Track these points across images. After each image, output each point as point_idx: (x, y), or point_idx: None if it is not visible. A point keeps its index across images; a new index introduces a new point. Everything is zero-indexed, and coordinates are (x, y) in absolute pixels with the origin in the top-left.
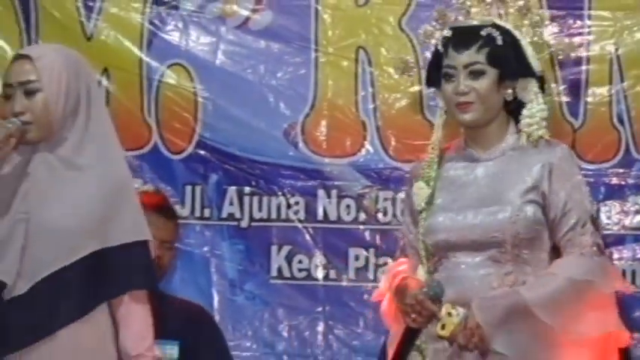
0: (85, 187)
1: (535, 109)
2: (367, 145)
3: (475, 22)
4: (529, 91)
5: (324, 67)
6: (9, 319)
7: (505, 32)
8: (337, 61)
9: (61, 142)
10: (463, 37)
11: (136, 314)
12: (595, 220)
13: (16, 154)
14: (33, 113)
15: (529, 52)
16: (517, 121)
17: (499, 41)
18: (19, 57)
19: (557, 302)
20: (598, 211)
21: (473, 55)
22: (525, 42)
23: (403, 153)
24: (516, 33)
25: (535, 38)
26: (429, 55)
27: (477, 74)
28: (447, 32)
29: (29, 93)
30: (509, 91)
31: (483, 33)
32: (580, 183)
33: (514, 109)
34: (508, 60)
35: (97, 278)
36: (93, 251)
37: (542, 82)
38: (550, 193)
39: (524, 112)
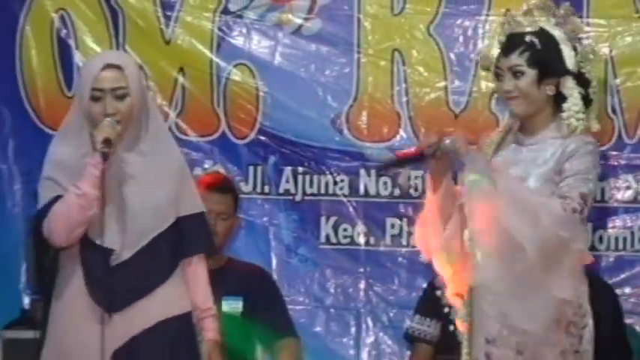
0: (162, 172)
1: (571, 102)
2: (401, 132)
3: (524, 29)
4: (567, 87)
5: (365, 66)
6: (116, 283)
7: (548, 37)
8: (376, 62)
9: (137, 137)
10: (510, 42)
11: (201, 274)
12: (586, 197)
13: None
14: (122, 114)
15: (566, 53)
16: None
17: (538, 46)
18: (108, 66)
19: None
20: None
21: (515, 59)
22: (565, 45)
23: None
24: (558, 37)
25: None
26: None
27: (518, 74)
28: (502, 38)
29: (119, 97)
30: (552, 87)
31: (527, 39)
32: (588, 166)
33: (560, 102)
34: (546, 61)
35: (175, 243)
36: (173, 221)
37: (580, 79)
38: (562, 172)
39: (564, 105)
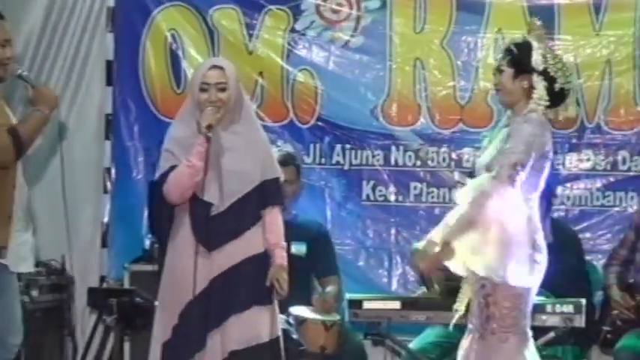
0: (249, 147)
1: (536, 93)
2: (421, 119)
3: (514, 40)
4: (534, 82)
5: (394, 71)
6: (214, 228)
7: (526, 45)
8: (402, 67)
9: (232, 120)
10: (502, 50)
11: (276, 219)
12: (518, 163)
13: None
14: (222, 102)
15: (534, 57)
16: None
17: (515, 51)
18: (214, 67)
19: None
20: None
21: (501, 61)
22: (536, 52)
23: (443, 123)
24: (534, 45)
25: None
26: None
27: (500, 72)
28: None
29: (221, 90)
30: (525, 82)
31: (510, 47)
32: (524, 136)
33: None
34: (518, 62)
35: (260, 199)
36: (259, 182)
37: (546, 77)
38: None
39: (533, 95)
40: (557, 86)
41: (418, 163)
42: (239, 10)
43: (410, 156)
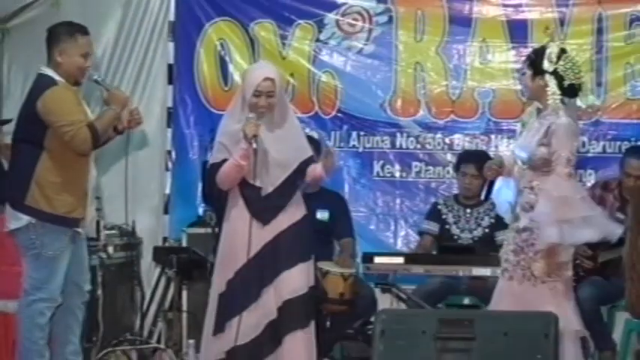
0: (289, 142)
1: (549, 89)
2: (421, 111)
3: (535, 48)
4: (547, 80)
5: (399, 73)
6: (265, 206)
7: (541, 52)
8: (405, 70)
9: (276, 118)
10: (525, 57)
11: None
12: (570, 159)
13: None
14: (270, 106)
15: (546, 62)
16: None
17: (533, 57)
18: (267, 79)
19: None
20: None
21: (523, 65)
22: (548, 56)
23: (438, 115)
24: (547, 51)
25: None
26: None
27: (523, 73)
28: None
29: (269, 97)
30: (541, 81)
31: (530, 54)
32: (564, 132)
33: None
34: (534, 65)
35: (297, 175)
36: (297, 165)
37: (557, 76)
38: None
39: (547, 91)
40: (565, 83)
41: (418, 146)
42: (274, 23)
43: (412, 141)
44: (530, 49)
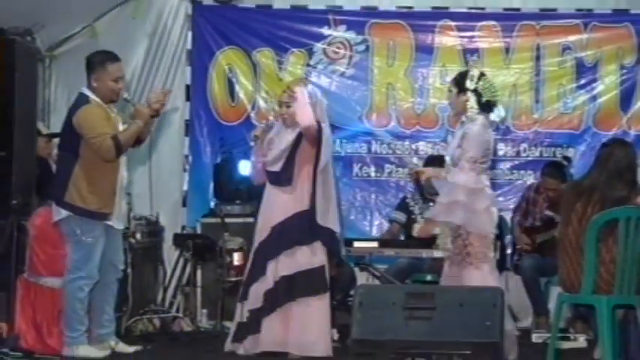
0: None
1: (469, 105)
2: (392, 123)
3: (459, 71)
4: (469, 97)
5: (374, 92)
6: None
7: (464, 74)
8: (379, 89)
9: (295, 123)
10: (452, 78)
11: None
12: (473, 157)
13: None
14: (290, 115)
15: (468, 81)
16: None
17: (458, 78)
18: (284, 92)
19: None
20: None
21: (451, 84)
22: (470, 77)
23: (406, 126)
24: (469, 74)
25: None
26: None
27: (450, 90)
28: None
29: (288, 106)
30: (464, 97)
31: (456, 76)
32: (474, 136)
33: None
34: (459, 84)
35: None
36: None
37: (476, 94)
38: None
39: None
40: (483, 99)
41: (390, 151)
42: (273, 51)
43: (384, 147)
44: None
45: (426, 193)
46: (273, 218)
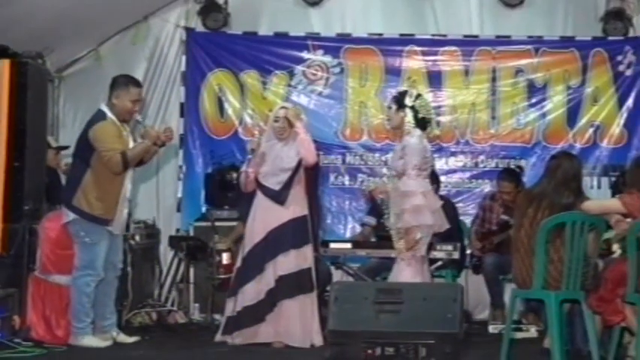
0: (293, 152)
1: (406, 120)
2: (364, 137)
3: (399, 90)
4: (406, 113)
5: (349, 109)
6: (276, 195)
7: (404, 93)
8: (353, 107)
9: (289, 136)
10: (392, 96)
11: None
12: (414, 165)
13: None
14: (284, 128)
15: (407, 99)
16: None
17: (398, 96)
18: (282, 107)
19: None
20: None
21: (390, 102)
22: (408, 95)
23: (377, 139)
24: (408, 93)
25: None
26: None
27: (390, 107)
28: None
29: (277, 122)
30: (402, 113)
31: (396, 94)
32: (412, 148)
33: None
34: (399, 102)
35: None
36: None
37: (414, 111)
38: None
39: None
40: (419, 116)
41: (362, 163)
42: (258, 73)
43: (357, 159)
44: (445, 93)
45: (380, 209)
46: (270, 223)
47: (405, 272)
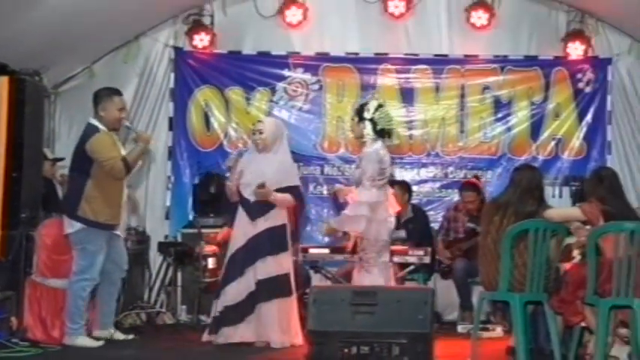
0: (275, 163)
1: (365, 132)
2: (342, 149)
3: (359, 103)
4: (365, 125)
5: (327, 123)
6: (253, 208)
7: (364, 105)
8: (331, 121)
9: (268, 149)
10: (354, 108)
11: (286, 196)
12: (369, 175)
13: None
14: (262, 140)
15: (366, 112)
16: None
17: (359, 108)
18: (259, 122)
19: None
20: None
21: (353, 114)
22: (368, 109)
23: (354, 152)
24: (367, 105)
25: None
26: None
27: (352, 119)
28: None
29: (260, 133)
30: (362, 125)
31: (357, 107)
32: (369, 158)
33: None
34: (358, 114)
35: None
36: (276, 187)
37: (373, 123)
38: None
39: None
40: (378, 127)
41: (339, 173)
42: (242, 89)
43: (335, 170)
44: (417, 108)
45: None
46: (249, 231)
47: (357, 276)
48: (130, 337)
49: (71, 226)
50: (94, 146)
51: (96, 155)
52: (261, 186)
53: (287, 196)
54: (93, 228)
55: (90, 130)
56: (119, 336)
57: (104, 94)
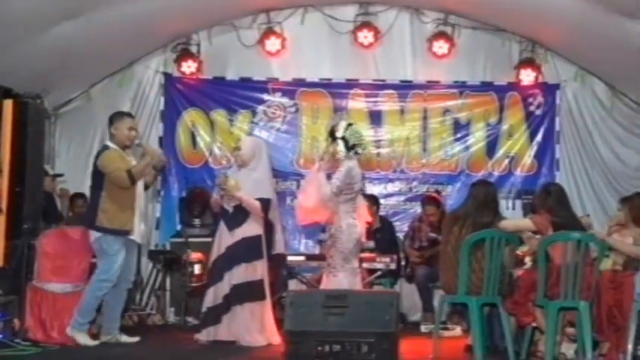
0: (251, 176)
1: (338, 149)
2: (316, 165)
3: (333, 124)
4: (338, 143)
5: (303, 143)
6: (231, 219)
7: (336, 126)
8: (306, 141)
9: (247, 164)
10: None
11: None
12: (337, 186)
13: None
14: (241, 157)
15: (337, 132)
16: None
17: (331, 130)
18: (238, 140)
19: None
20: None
21: (327, 135)
22: (340, 129)
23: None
24: (337, 126)
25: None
26: None
27: (326, 140)
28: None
29: (238, 150)
30: (335, 144)
31: (331, 128)
32: (341, 172)
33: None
34: (331, 134)
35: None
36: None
37: (344, 140)
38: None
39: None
40: (350, 144)
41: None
42: (225, 111)
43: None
44: (384, 129)
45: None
46: (227, 240)
47: (325, 280)
48: (136, 339)
49: (92, 235)
50: (102, 161)
51: (104, 169)
52: (224, 180)
53: (254, 201)
54: (109, 235)
55: (102, 149)
56: (125, 339)
57: (117, 116)
